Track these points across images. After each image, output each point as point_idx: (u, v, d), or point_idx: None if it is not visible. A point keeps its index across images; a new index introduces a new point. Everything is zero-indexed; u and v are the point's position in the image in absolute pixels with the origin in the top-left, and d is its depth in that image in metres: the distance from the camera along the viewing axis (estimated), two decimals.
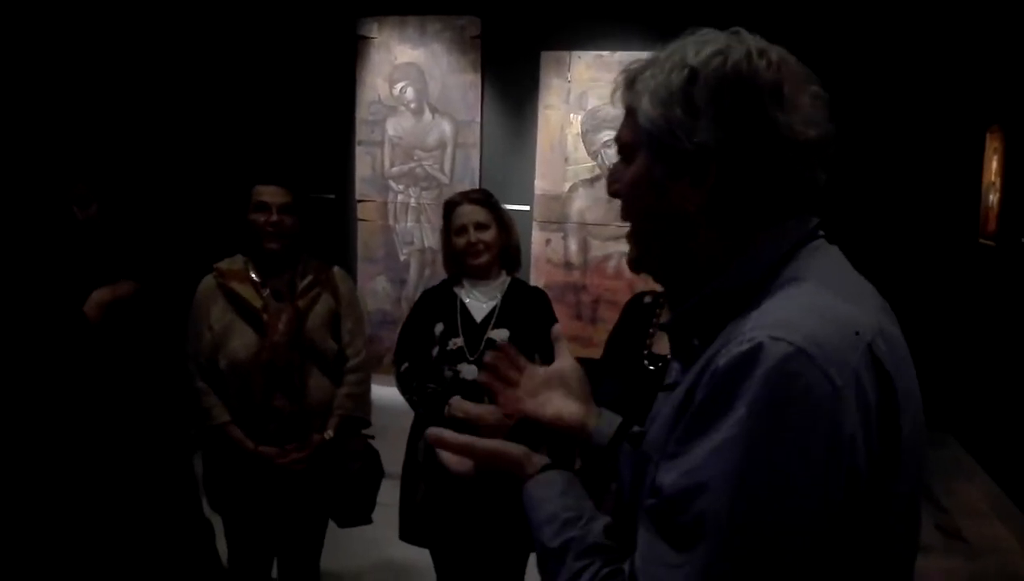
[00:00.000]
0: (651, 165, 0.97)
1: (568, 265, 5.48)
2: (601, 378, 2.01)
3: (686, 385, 0.93)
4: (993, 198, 4.90)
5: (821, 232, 0.99)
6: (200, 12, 5.32)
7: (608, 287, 5.44)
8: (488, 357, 1.24)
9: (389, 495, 2.87)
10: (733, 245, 0.96)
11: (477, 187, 5.56)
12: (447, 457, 1.14)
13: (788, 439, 0.82)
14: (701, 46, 0.96)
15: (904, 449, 0.88)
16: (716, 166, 0.94)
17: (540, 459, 1.11)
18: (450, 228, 2.71)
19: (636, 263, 1.07)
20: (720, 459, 0.84)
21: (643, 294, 2.11)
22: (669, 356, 1.84)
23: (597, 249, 5.45)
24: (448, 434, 1.13)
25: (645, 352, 1.92)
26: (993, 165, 4.89)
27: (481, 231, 2.65)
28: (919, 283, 5.07)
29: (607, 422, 1.25)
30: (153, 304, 2.78)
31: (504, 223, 2.72)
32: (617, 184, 1.05)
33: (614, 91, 1.04)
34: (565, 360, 1.26)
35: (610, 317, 5.42)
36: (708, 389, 0.87)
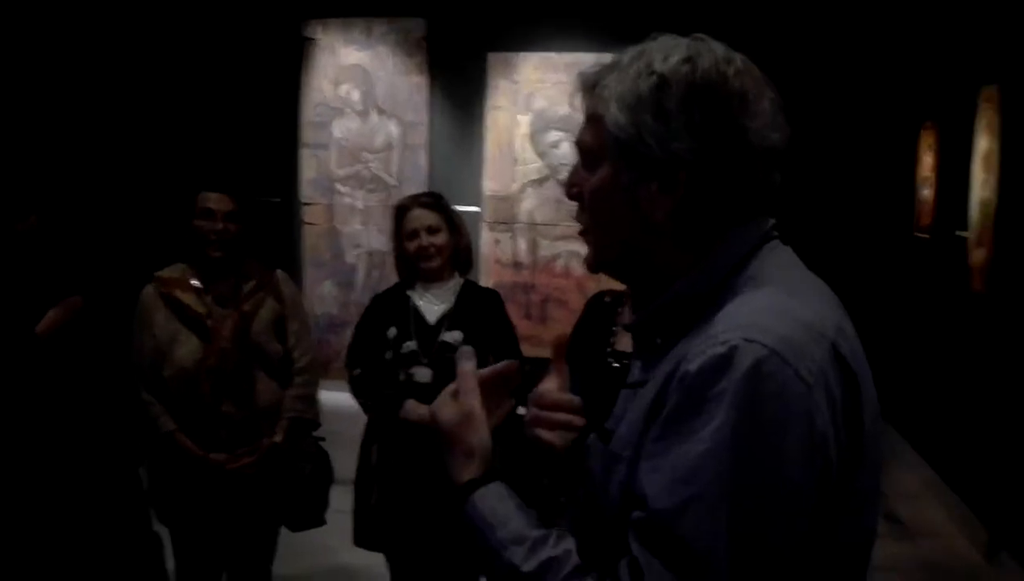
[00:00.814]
0: (619, 172, 0.97)
1: (517, 265, 5.50)
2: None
3: (655, 385, 0.94)
4: (927, 193, 5.06)
5: (775, 233, 1.02)
6: (142, 16, 5.21)
7: (557, 286, 5.48)
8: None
9: (341, 501, 2.86)
10: (697, 249, 0.98)
11: (425, 189, 5.56)
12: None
13: (769, 439, 0.85)
14: (667, 52, 0.96)
15: (866, 443, 0.92)
16: (686, 174, 0.94)
17: (481, 463, 1.04)
18: (401, 232, 2.70)
19: (596, 266, 1.07)
20: (708, 467, 0.85)
21: (603, 293, 2.14)
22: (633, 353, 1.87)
23: (546, 249, 5.49)
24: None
25: (608, 350, 1.95)
26: (927, 161, 5.06)
27: (432, 235, 2.65)
28: (857, 275, 5.21)
29: None
30: (97, 318, 2.72)
31: (455, 225, 2.73)
32: (576, 187, 1.04)
33: (573, 94, 1.04)
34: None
35: (559, 316, 5.47)
36: (684, 391, 0.88)
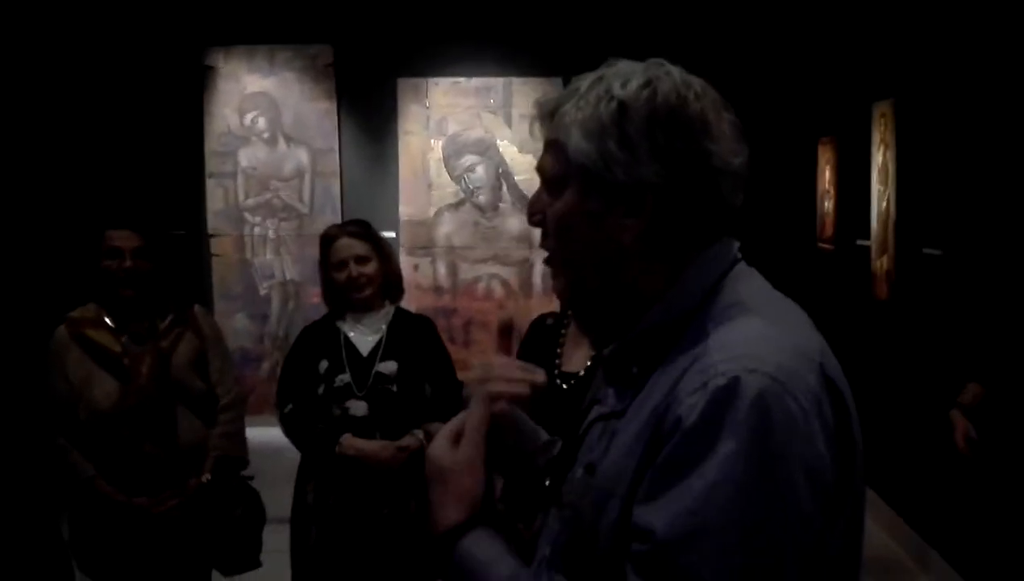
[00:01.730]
0: (585, 198, 0.97)
1: (438, 289, 5.47)
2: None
3: (645, 417, 0.93)
4: (828, 205, 5.29)
5: (739, 255, 1.02)
6: (35, 46, 4.96)
7: (479, 309, 5.47)
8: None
9: (272, 541, 2.77)
10: (666, 272, 0.98)
11: (339, 216, 5.48)
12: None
13: (777, 469, 0.85)
14: (626, 77, 0.96)
15: (857, 462, 0.94)
16: (652, 197, 0.94)
17: (471, 508, 1.02)
18: (328, 262, 2.64)
19: (571, 298, 1.05)
20: (716, 499, 0.84)
21: (545, 315, 2.14)
22: (580, 373, 1.87)
23: (466, 272, 5.47)
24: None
25: (556, 371, 1.95)
26: (827, 174, 5.29)
27: (362, 265, 2.60)
28: None
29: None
30: (7, 366, 2.57)
31: (384, 254, 2.69)
32: (538, 214, 1.04)
33: (532, 123, 1.04)
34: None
35: (482, 339, 5.45)
36: (688, 426, 0.87)
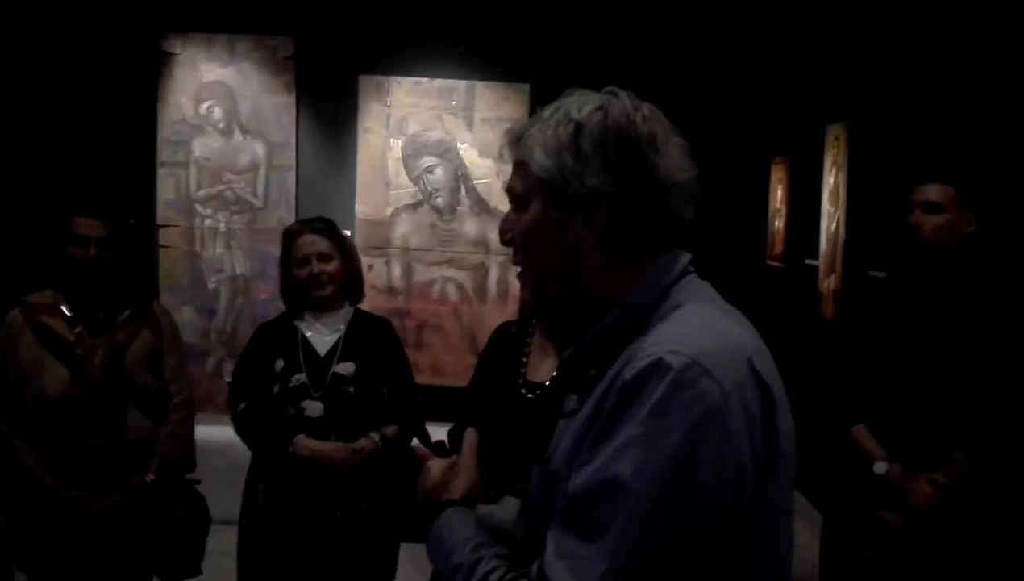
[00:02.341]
0: (547, 210, 1.08)
1: (392, 290, 5.42)
2: (478, 407, 2.01)
3: (594, 402, 1.02)
4: (779, 224, 5.39)
5: (692, 268, 1.13)
6: None
7: (433, 312, 5.44)
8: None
9: (219, 542, 2.73)
10: (622, 280, 1.08)
11: (294, 211, 5.40)
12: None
13: (687, 434, 0.92)
14: (582, 104, 1.08)
15: (780, 456, 1.01)
16: (608, 207, 1.05)
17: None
18: (290, 258, 2.61)
19: (535, 303, 1.17)
20: (627, 454, 0.93)
21: (509, 323, 2.14)
22: (547, 383, 1.88)
23: (421, 274, 5.44)
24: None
25: (520, 381, 1.95)
26: (779, 193, 5.40)
27: (324, 262, 2.58)
28: None
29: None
30: None
31: (347, 253, 2.67)
32: (509, 233, 1.18)
33: (502, 147, 1.16)
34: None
35: (435, 342, 5.43)
36: (615, 400, 0.97)
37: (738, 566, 0.97)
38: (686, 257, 1.12)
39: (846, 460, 2.71)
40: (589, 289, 1.09)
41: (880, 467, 2.58)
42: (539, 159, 1.07)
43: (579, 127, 1.06)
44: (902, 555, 2.55)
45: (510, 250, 1.20)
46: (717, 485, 0.93)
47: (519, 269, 1.18)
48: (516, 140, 1.12)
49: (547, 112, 1.11)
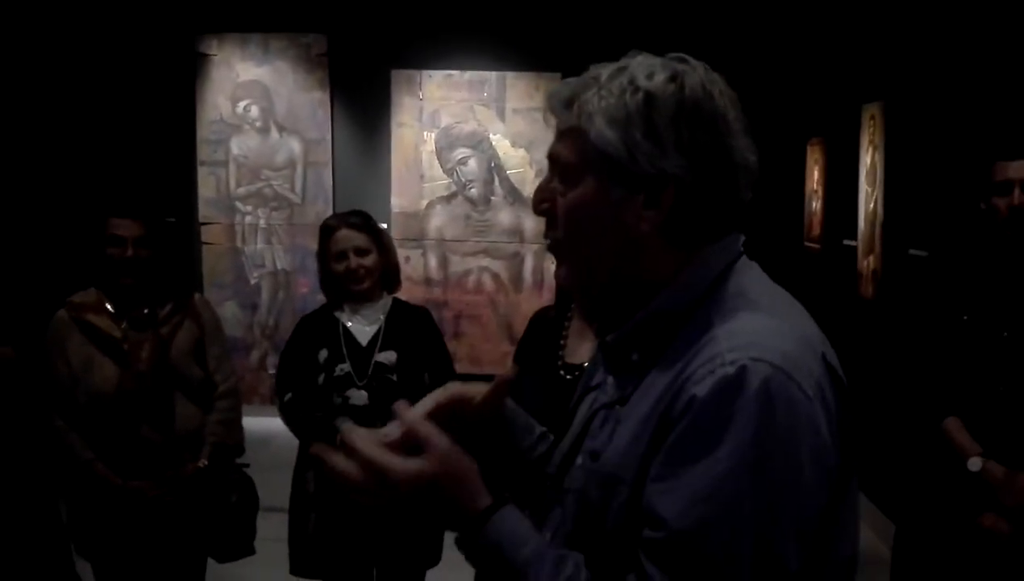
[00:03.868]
0: (606, 186, 0.97)
1: (429, 282, 5.49)
2: (517, 390, 2.04)
3: (651, 404, 0.95)
4: (816, 205, 5.35)
5: (742, 249, 1.04)
6: (34, 31, 4.93)
7: (469, 302, 5.49)
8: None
9: (267, 529, 2.79)
10: (675, 263, 0.99)
11: (331, 206, 5.48)
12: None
13: (784, 454, 0.88)
14: (650, 70, 0.97)
15: (856, 451, 0.97)
16: (675, 189, 0.95)
17: (484, 489, 1.01)
18: (328, 252, 2.66)
19: (576, 284, 1.05)
20: (728, 487, 0.87)
21: (547, 309, 2.17)
22: (585, 364, 1.91)
23: (457, 265, 5.50)
24: (337, 461, 1.01)
25: (559, 363, 1.98)
26: (815, 174, 5.35)
27: (362, 256, 2.62)
28: None
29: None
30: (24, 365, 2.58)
31: (383, 246, 2.71)
32: (546, 202, 1.04)
33: (547, 108, 1.02)
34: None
35: (472, 331, 5.48)
36: (696, 412, 0.89)
37: (816, 566, 0.92)
38: (739, 240, 1.03)
39: (934, 458, 2.46)
40: (636, 272, 0.99)
41: (975, 463, 2.32)
42: (602, 129, 0.95)
43: (651, 98, 0.94)
44: (1006, 564, 2.30)
45: (544, 241, 1.08)
46: (818, 491, 0.90)
47: (551, 243, 1.05)
48: (567, 103, 0.99)
49: (604, 73, 0.98)
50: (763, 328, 0.93)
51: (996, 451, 2.33)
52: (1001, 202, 2.33)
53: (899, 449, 4.00)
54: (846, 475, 0.94)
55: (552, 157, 1.02)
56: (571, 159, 0.99)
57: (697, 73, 0.97)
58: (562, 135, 1.00)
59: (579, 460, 1.07)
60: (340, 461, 0.99)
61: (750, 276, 1.02)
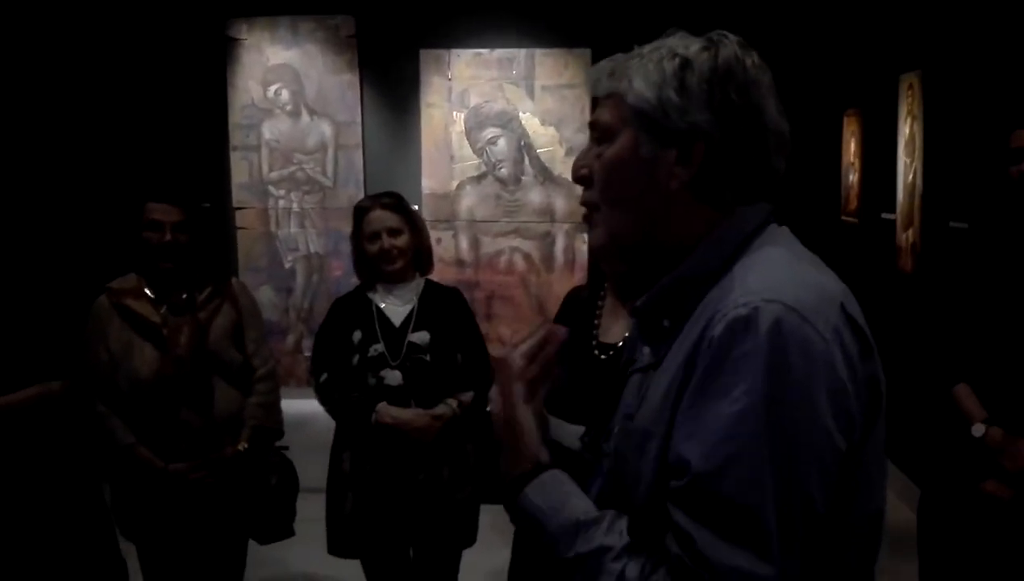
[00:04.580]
0: (639, 141, 1.02)
1: (460, 263, 5.49)
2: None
3: (679, 361, 0.97)
4: (853, 178, 5.26)
5: (773, 218, 1.07)
6: (60, 19, 4.99)
7: (501, 283, 5.49)
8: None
9: (306, 509, 2.83)
10: (704, 225, 1.02)
11: (362, 189, 5.49)
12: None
13: (799, 391, 0.89)
14: (689, 41, 1.03)
15: (881, 401, 0.98)
16: (705, 145, 0.99)
17: (544, 454, 1.09)
18: (361, 233, 2.67)
19: (603, 248, 1.09)
20: (744, 426, 0.88)
21: (580, 288, 2.16)
22: (619, 344, 1.90)
23: (488, 245, 5.49)
24: (514, 365, 1.11)
25: (594, 343, 1.97)
26: (852, 147, 5.25)
27: (394, 237, 2.63)
28: None
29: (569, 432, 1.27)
30: (50, 334, 2.61)
31: (416, 226, 2.71)
32: (585, 168, 1.08)
33: (591, 82, 1.10)
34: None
35: (505, 313, 5.48)
36: (711, 355, 0.92)
37: (840, 516, 0.94)
38: (769, 208, 1.06)
39: (945, 423, 2.50)
40: (667, 231, 1.03)
41: (978, 429, 2.37)
42: (639, 89, 1.01)
43: (687, 61, 1.00)
44: (1008, 530, 2.34)
45: (576, 219, 1.17)
46: (835, 430, 0.90)
47: (586, 207, 1.11)
48: (610, 73, 1.06)
49: (647, 48, 1.05)
50: (779, 276, 0.96)
51: (1003, 417, 2.35)
52: (1015, 170, 2.34)
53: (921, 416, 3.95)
54: (869, 426, 0.95)
55: (592, 123, 1.08)
56: (609, 120, 1.05)
57: (732, 44, 1.03)
58: (603, 101, 1.07)
59: (615, 425, 1.12)
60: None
61: (779, 240, 1.04)
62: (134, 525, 2.66)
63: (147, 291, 2.63)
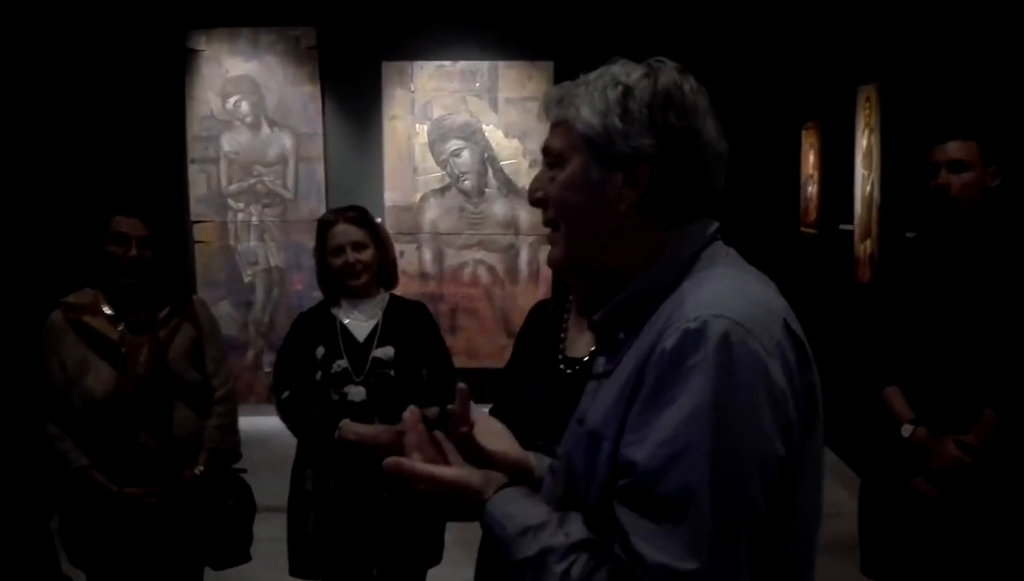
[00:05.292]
0: (588, 166, 1.09)
1: (424, 276, 5.46)
2: (519, 383, 2.02)
3: (630, 369, 1.03)
4: (812, 190, 5.33)
5: (718, 235, 1.14)
6: (21, 27, 4.87)
7: (465, 295, 5.46)
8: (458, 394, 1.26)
9: (266, 530, 2.77)
10: (654, 243, 1.09)
11: (324, 202, 5.44)
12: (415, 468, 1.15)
13: (741, 398, 0.95)
14: (630, 69, 1.10)
15: (818, 409, 1.05)
16: (649, 168, 1.06)
17: (497, 480, 1.14)
18: (325, 248, 2.63)
19: (562, 264, 1.16)
20: (688, 428, 0.94)
21: (545, 302, 2.14)
22: (585, 359, 1.88)
23: (452, 258, 5.47)
24: (407, 463, 1.15)
25: (560, 357, 1.95)
26: (811, 159, 5.33)
27: (359, 251, 2.59)
28: None
29: (543, 464, 1.31)
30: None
31: (381, 240, 2.68)
32: (541, 192, 1.16)
33: (541, 108, 1.17)
34: (483, 415, 1.33)
35: (469, 325, 5.46)
36: (662, 366, 0.98)
37: (783, 520, 1.00)
38: (714, 225, 1.13)
39: (878, 423, 2.66)
40: (619, 250, 1.10)
41: (906, 430, 2.53)
42: (586, 117, 1.08)
43: (628, 89, 1.07)
44: (937, 522, 2.49)
45: (540, 232, 1.21)
46: (774, 438, 0.97)
47: (549, 230, 1.17)
48: (558, 101, 1.13)
49: (592, 76, 1.12)
50: (726, 292, 1.03)
51: (929, 418, 2.50)
52: (933, 183, 2.52)
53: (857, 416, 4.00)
54: (806, 432, 1.02)
55: (545, 149, 1.15)
56: (560, 147, 1.12)
57: (670, 70, 1.10)
58: (553, 128, 1.14)
59: (569, 429, 1.16)
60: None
61: (723, 256, 1.11)
62: (84, 552, 2.57)
63: (105, 307, 2.56)
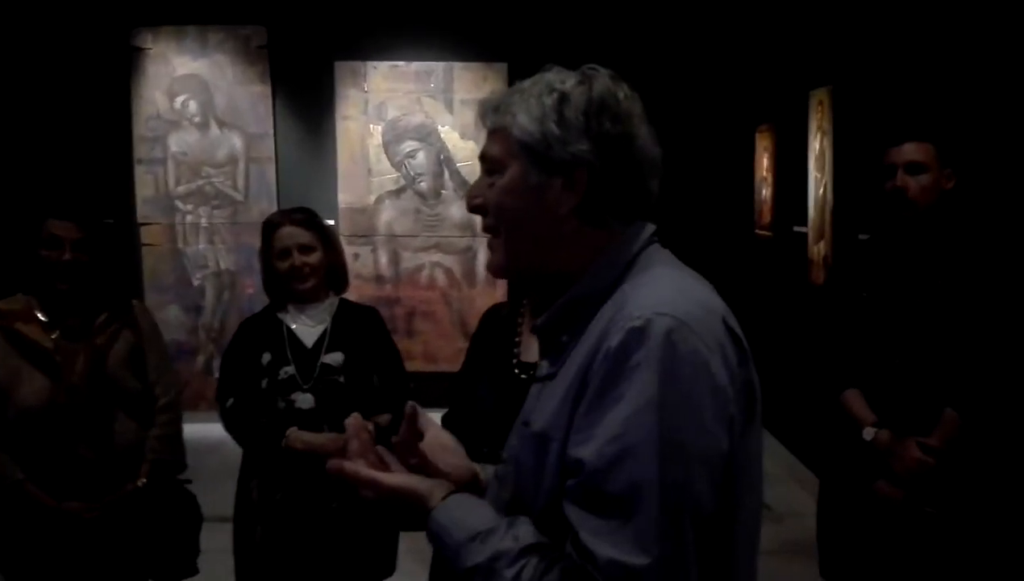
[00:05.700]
0: (526, 172, 1.10)
1: (379, 279, 5.38)
2: (473, 388, 1.98)
3: (575, 370, 1.04)
4: (766, 192, 5.37)
5: (656, 238, 1.17)
6: None
7: (422, 298, 5.40)
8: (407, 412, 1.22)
9: (214, 540, 2.69)
10: (593, 247, 1.11)
11: (275, 203, 5.34)
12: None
13: (685, 393, 0.98)
14: (565, 76, 1.12)
15: (756, 405, 1.08)
16: (587, 173, 1.09)
17: (444, 487, 1.14)
18: (270, 250, 2.55)
19: (503, 270, 1.17)
20: (635, 425, 0.96)
21: (499, 306, 2.10)
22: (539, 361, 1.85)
23: (408, 261, 5.40)
24: (350, 466, 1.14)
25: (514, 362, 1.91)
26: (764, 162, 5.36)
27: (306, 254, 2.52)
28: (704, 275, 5.44)
29: (488, 472, 1.30)
30: None
31: (329, 243, 2.61)
32: (479, 199, 1.16)
33: (479, 116, 1.18)
34: (435, 426, 1.31)
35: (426, 328, 5.39)
36: (607, 365, 1.00)
37: (727, 518, 1.02)
38: (652, 227, 1.15)
39: (839, 426, 2.65)
40: (560, 255, 1.12)
41: (868, 433, 2.52)
42: (522, 124, 1.10)
43: (564, 96, 1.09)
44: (900, 525, 2.49)
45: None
46: (719, 433, 0.99)
47: (489, 236, 1.18)
48: (494, 109, 1.14)
49: (527, 83, 1.14)
50: (668, 291, 1.05)
51: (891, 421, 2.49)
52: (890, 185, 2.53)
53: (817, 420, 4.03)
54: (746, 425, 1.04)
55: (482, 156, 1.16)
56: (498, 153, 1.13)
57: (604, 77, 1.12)
58: (491, 135, 1.15)
59: (514, 432, 1.17)
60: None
61: (662, 259, 1.13)
62: (21, 570, 2.47)
63: (38, 314, 2.46)
